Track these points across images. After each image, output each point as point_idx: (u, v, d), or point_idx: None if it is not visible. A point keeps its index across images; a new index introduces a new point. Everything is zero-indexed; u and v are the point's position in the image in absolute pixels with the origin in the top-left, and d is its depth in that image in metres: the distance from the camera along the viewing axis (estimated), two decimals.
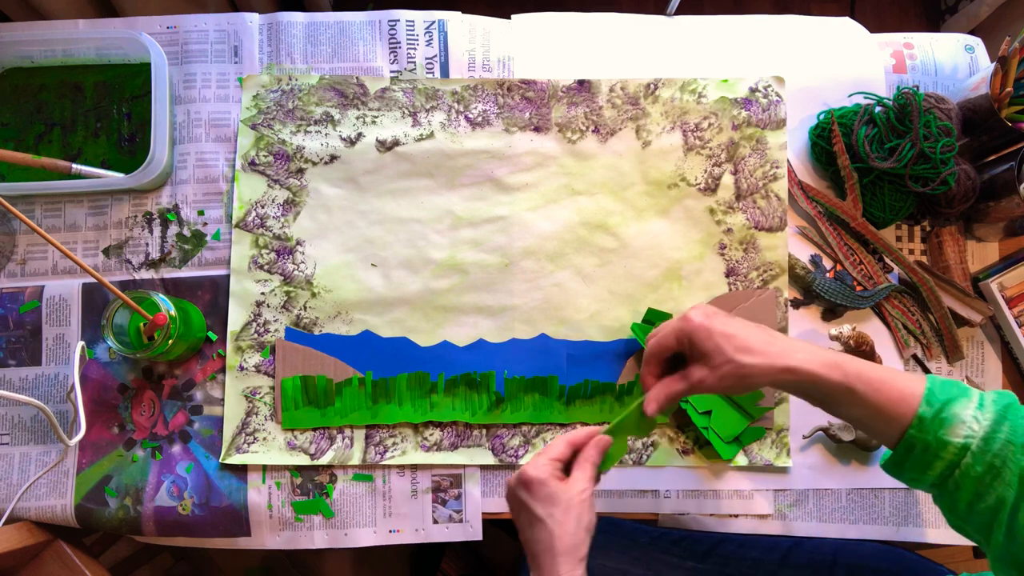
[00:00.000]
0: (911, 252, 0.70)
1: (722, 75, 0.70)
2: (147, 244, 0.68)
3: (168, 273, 0.68)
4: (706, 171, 0.69)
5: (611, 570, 0.63)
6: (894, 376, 0.44)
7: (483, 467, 0.66)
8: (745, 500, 0.66)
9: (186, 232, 0.68)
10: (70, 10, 0.85)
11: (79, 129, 0.70)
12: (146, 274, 0.68)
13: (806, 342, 0.48)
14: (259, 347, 0.66)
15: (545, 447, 0.52)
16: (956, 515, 0.43)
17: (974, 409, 0.42)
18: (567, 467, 0.51)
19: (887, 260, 0.68)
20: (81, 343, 0.61)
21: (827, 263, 0.69)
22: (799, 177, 0.69)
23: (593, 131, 0.69)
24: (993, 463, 0.40)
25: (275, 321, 0.67)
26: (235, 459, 0.65)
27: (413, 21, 0.72)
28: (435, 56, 0.71)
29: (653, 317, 0.66)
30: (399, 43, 0.71)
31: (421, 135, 0.69)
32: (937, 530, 0.66)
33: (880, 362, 0.65)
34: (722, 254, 0.68)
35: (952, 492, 0.42)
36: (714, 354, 0.46)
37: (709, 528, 0.66)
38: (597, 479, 0.51)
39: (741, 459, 0.66)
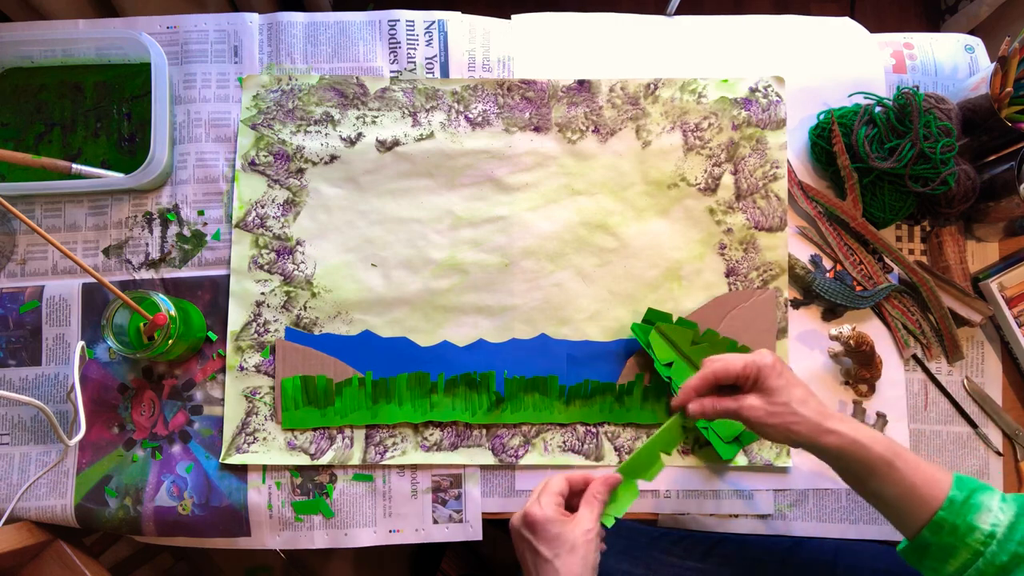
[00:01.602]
0: (911, 252, 0.70)
1: (722, 75, 0.70)
2: (147, 244, 0.68)
3: (168, 273, 0.68)
4: (706, 171, 0.69)
5: (611, 570, 0.63)
6: (924, 460, 0.47)
7: (483, 467, 0.66)
8: (745, 500, 0.66)
9: (186, 232, 0.68)
10: (70, 10, 0.85)
11: (79, 129, 0.70)
12: (146, 274, 0.68)
13: (851, 419, 0.50)
14: (259, 347, 0.66)
15: (545, 484, 0.51)
16: None
17: (998, 501, 0.45)
18: (570, 503, 0.51)
19: (887, 260, 0.68)
20: (81, 343, 0.61)
21: (827, 263, 0.69)
22: (799, 177, 0.69)
23: (593, 131, 0.69)
24: (1018, 552, 0.42)
25: (275, 321, 0.67)
26: (235, 459, 0.65)
27: (413, 21, 0.72)
28: (435, 56, 0.71)
29: (653, 317, 0.66)
30: (399, 43, 0.71)
31: (421, 135, 0.69)
32: None
33: (880, 362, 0.65)
34: (722, 254, 0.68)
35: None
36: (777, 392, 0.49)
37: (709, 528, 0.66)
38: (604, 528, 0.51)
39: (741, 459, 0.66)
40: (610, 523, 0.51)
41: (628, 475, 0.53)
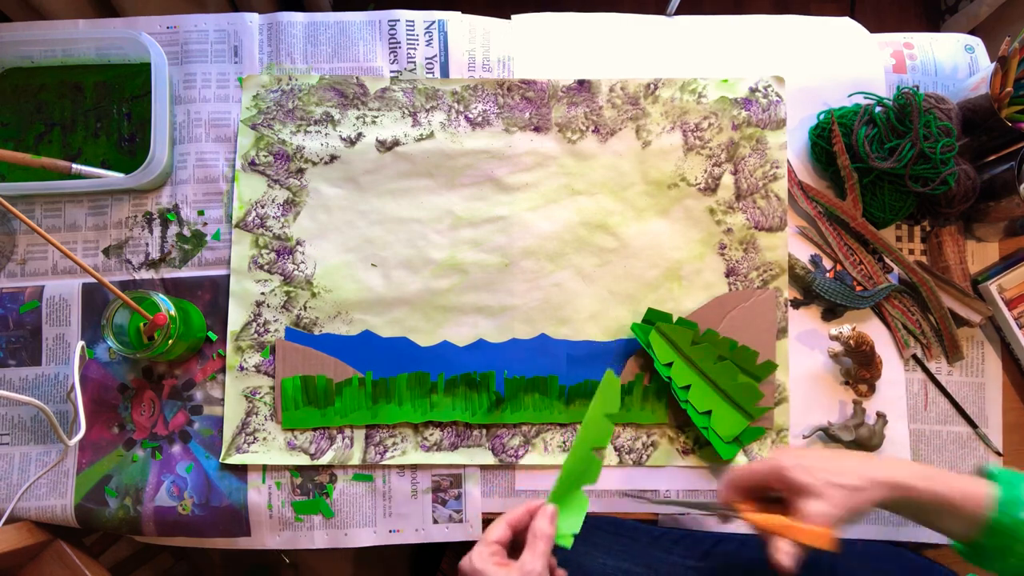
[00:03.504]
0: (911, 252, 0.70)
1: (722, 75, 0.70)
2: (147, 244, 0.68)
3: (168, 273, 0.68)
4: (706, 171, 0.69)
5: (611, 570, 0.63)
6: (960, 476, 0.47)
7: (483, 467, 0.66)
8: None
9: (186, 232, 0.68)
10: (70, 10, 0.85)
11: (79, 129, 0.70)
12: (146, 274, 0.68)
13: (887, 458, 0.50)
14: (259, 347, 0.66)
15: (487, 531, 0.48)
16: None
17: None
18: (519, 544, 0.48)
19: (887, 260, 0.68)
20: (81, 343, 0.61)
21: (827, 263, 0.69)
22: (799, 177, 0.69)
23: (593, 131, 0.69)
24: None
25: (275, 321, 0.67)
26: (235, 459, 0.65)
27: (413, 21, 0.72)
28: (435, 56, 0.71)
29: (653, 317, 0.66)
30: (399, 43, 0.71)
31: (421, 135, 0.69)
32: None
33: (880, 362, 0.65)
34: (722, 254, 0.68)
35: None
36: (816, 486, 0.47)
37: (709, 528, 0.66)
38: (565, 548, 0.48)
39: (741, 459, 0.66)
40: (569, 543, 0.48)
41: (566, 493, 0.50)
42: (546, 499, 0.50)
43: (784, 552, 0.47)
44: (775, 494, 0.51)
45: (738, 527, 0.66)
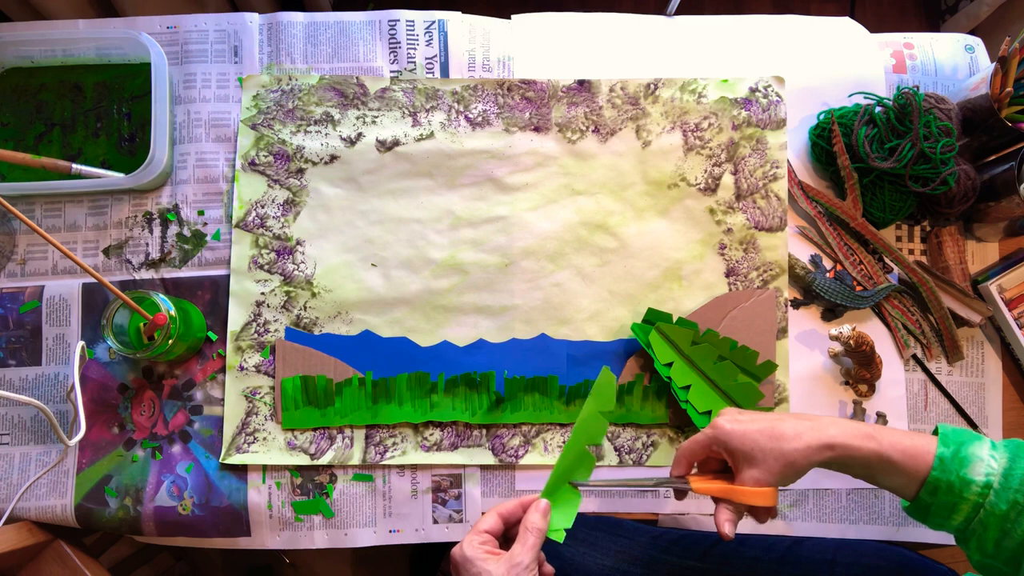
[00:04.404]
0: (911, 252, 0.70)
1: (722, 75, 0.70)
2: (147, 244, 0.68)
3: (168, 273, 0.68)
4: (706, 171, 0.69)
5: (611, 570, 0.63)
6: (902, 430, 0.47)
7: (483, 467, 0.66)
8: None
9: (186, 232, 0.68)
10: (70, 10, 0.85)
11: (79, 129, 0.70)
12: (146, 274, 0.68)
13: (831, 417, 0.49)
14: (259, 347, 0.66)
15: (477, 522, 0.49)
16: (984, 555, 0.45)
17: (988, 449, 0.44)
18: (510, 537, 0.49)
19: (887, 260, 0.68)
20: (81, 343, 0.61)
21: (827, 263, 0.69)
22: (799, 177, 0.69)
23: (593, 131, 0.69)
24: (1016, 499, 0.42)
25: (275, 321, 0.67)
26: (235, 459, 0.65)
27: (413, 21, 0.72)
28: (435, 56, 0.71)
29: (653, 317, 0.66)
30: (399, 43, 0.71)
31: (421, 135, 0.69)
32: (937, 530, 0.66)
33: (880, 362, 0.65)
34: (722, 254, 0.68)
35: (980, 533, 0.44)
36: (755, 452, 0.48)
37: (709, 528, 0.66)
38: (557, 542, 0.49)
39: None
40: (560, 538, 0.49)
41: (559, 488, 0.50)
42: (539, 494, 0.50)
43: (726, 519, 0.48)
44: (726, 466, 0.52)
45: (738, 527, 0.66)
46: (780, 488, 0.49)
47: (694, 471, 0.53)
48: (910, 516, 0.48)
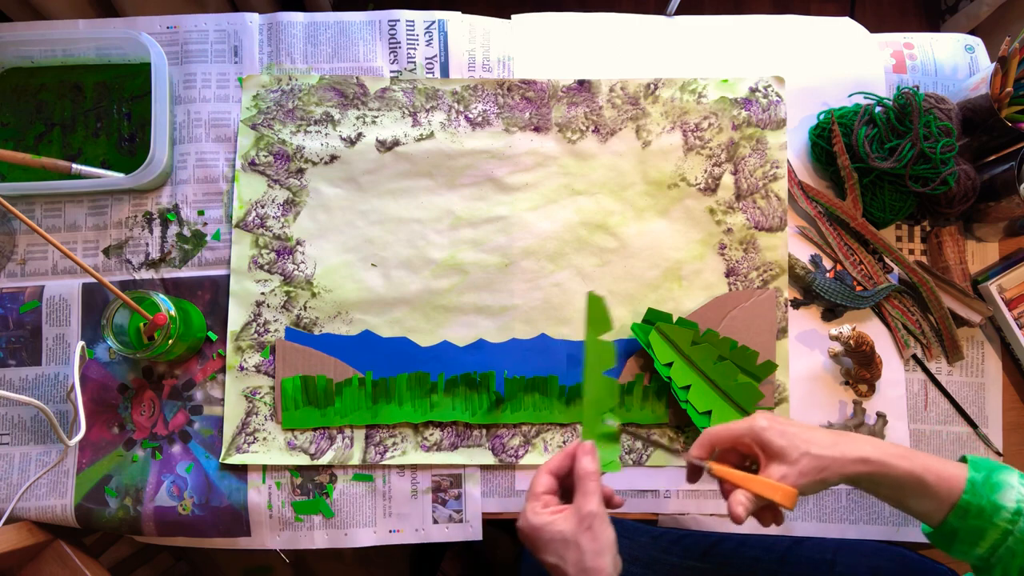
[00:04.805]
0: (911, 252, 0.70)
1: (722, 75, 0.70)
2: (147, 244, 0.68)
3: (168, 273, 0.68)
4: (706, 171, 0.69)
5: None
6: (930, 454, 0.47)
7: (483, 467, 0.66)
8: None
9: (186, 232, 0.68)
10: (70, 10, 0.85)
11: (79, 129, 0.70)
12: (146, 274, 0.68)
13: (864, 435, 0.49)
14: (259, 347, 0.66)
15: (531, 486, 0.49)
16: None
17: (1018, 477, 0.45)
18: (566, 485, 0.49)
19: (887, 260, 0.68)
20: (81, 343, 0.61)
21: (827, 263, 0.69)
22: (799, 177, 0.69)
23: (593, 131, 0.69)
24: None
25: (275, 321, 0.67)
26: (235, 459, 0.65)
27: (413, 21, 0.72)
28: (435, 56, 0.71)
29: (653, 317, 0.66)
30: (399, 43, 0.71)
31: (421, 135, 0.69)
32: None
33: (880, 362, 0.65)
34: (722, 254, 0.68)
35: (1006, 561, 0.44)
36: (789, 450, 0.47)
37: (709, 528, 0.66)
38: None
39: None
40: (617, 468, 0.50)
41: (595, 424, 0.50)
42: (580, 438, 0.50)
43: (740, 503, 0.47)
44: (747, 462, 0.51)
45: (738, 526, 0.66)
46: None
47: (712, 458, 0.52)
48: (932, 542, 0.48)
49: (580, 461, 0.48)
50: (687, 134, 0.69)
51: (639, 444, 0.66)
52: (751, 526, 0.65)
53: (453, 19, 0.72)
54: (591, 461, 0.48)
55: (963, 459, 0.48)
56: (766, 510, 0.49)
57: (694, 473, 0.53)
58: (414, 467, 0.66)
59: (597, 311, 0.51)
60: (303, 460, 0.65)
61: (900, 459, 0.46)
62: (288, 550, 0.66)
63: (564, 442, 0.66)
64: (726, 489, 0.50)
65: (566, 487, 0.50)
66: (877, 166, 0.64)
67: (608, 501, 0.50)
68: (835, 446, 0.47)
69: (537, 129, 0.69)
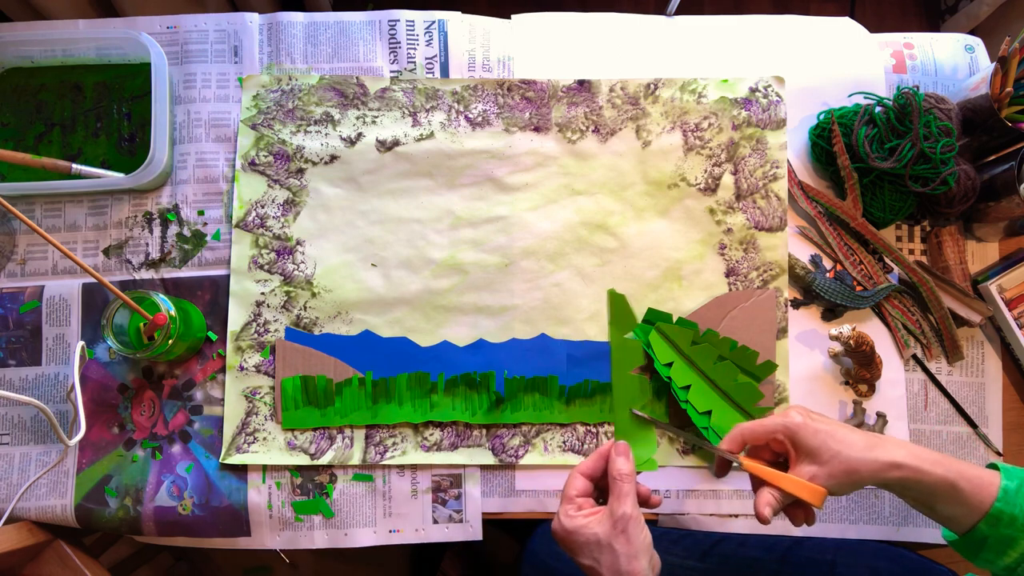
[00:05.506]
0: (911, 252, 0.70)
1: (722, 75, 0.70)
2: (147, 244, 0.68)
3: (168, 273, 0.68)
4: (706, 171, 0.69)
5: None
6: (973, 464, 0.47)
7: (483, 467, 0.66)
8: (745, 500, 0.66)
9: (186, 232, 0.68)
10: (70, 10, 0.85)
11: (79, 129, 0.70)
12: (146, 274, 0.68)
13: (897, 439, 0.49)
14: (259, 347, 0.66)
15: (565, 488, 0.49)
16: None
17: None
18: (600, 485, 0.49)
19: (887, 260, 0.68)
20: (81, 343, 0.61)
21: (827, 263, 0.69)
22: (799, 177, 0.69)
23: (593, 131, 0.69)
24: None
25: (275, 321, 0.67)
26: (235, 459, 0.65)
27: (413, 21, 0.72)
28: (435, 56, 0.71)
29: (653, 317, 0.66)
30: (399, 43, 0.71)
31: (421, 135, 0.69)
32: (937, 530, 0.66)
33: (880, 362, 0.65)
34: (722, 254, 0.68)
35: None
36: (821, 450, 0.47)
37: (709, 528, 0.66)
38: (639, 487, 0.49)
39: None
40: (654, 466, 0.49)
41: (626, 422, 0.50)
42: (614, 439, 0.49)
43: (768, 503, 0.47)
44: (779, 459, 0.51)
45: (738, 527, 0.66)
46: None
47: (743, 453, 0.52)
48: (957, 551, 0.47)
49: (614, 462, 0.48)
50: (687, 134, 0.69)
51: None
52: (752, 526, 0.66)
53: (453, 19, 0.72)
54: (625, 462, 0.48)
55: (991, 466, 0.48)
56: (797, 508, 0.49)
57: (723, 467, 0.52)
58: (414, 467, 0.66)
59: (620, 308, 0.51)
60: (303, 460, 0.65)
61: (934, 465, 0.46)
62: (288, 550, 0.66)
63: (564, 442, 0.66)
64: (755, 484, 0.49)
65: (602, 487, 0.50)
66: (877, 166, 0.64)
67: (645, 501, 0.50)
68: (868, 450, 0.47)
69: (537, 129, 0.69)
